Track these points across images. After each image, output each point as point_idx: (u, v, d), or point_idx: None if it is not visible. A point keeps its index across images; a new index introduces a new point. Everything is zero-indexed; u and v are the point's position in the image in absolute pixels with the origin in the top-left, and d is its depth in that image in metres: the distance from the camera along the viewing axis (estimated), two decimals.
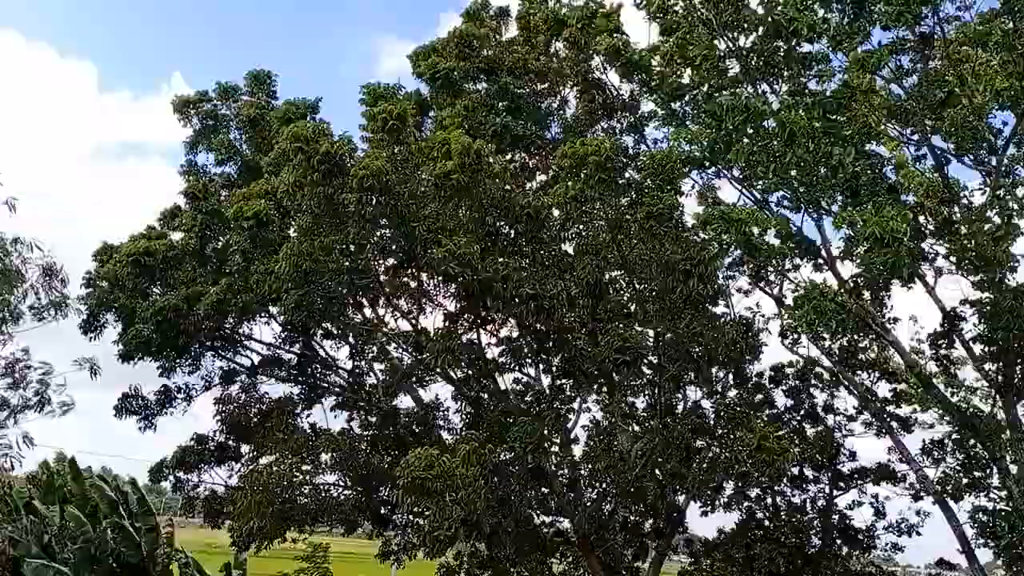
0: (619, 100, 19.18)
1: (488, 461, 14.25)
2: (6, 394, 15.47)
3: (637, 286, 15.32)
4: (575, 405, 18.98)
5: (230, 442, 19.73)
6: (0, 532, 16.48)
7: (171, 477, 19.47)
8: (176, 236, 19.11)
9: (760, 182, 16.22)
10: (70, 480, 20.55)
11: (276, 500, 16.13)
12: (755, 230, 13.51)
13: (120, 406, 18.94)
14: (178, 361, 19.04)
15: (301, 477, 16.79)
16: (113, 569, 20.45)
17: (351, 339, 19.78)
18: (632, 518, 19.91)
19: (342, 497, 18.22)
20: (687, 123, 17.59)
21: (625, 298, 16.48)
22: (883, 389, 20.49)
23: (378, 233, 16.60)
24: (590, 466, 18.70)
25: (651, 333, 15.25)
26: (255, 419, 19.18)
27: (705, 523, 23.16)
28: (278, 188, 15.70)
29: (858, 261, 16.10)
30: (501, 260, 14.45)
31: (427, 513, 13.12)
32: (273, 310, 18.88)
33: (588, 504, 19.18)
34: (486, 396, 18.39)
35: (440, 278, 15.14)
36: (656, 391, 17.55)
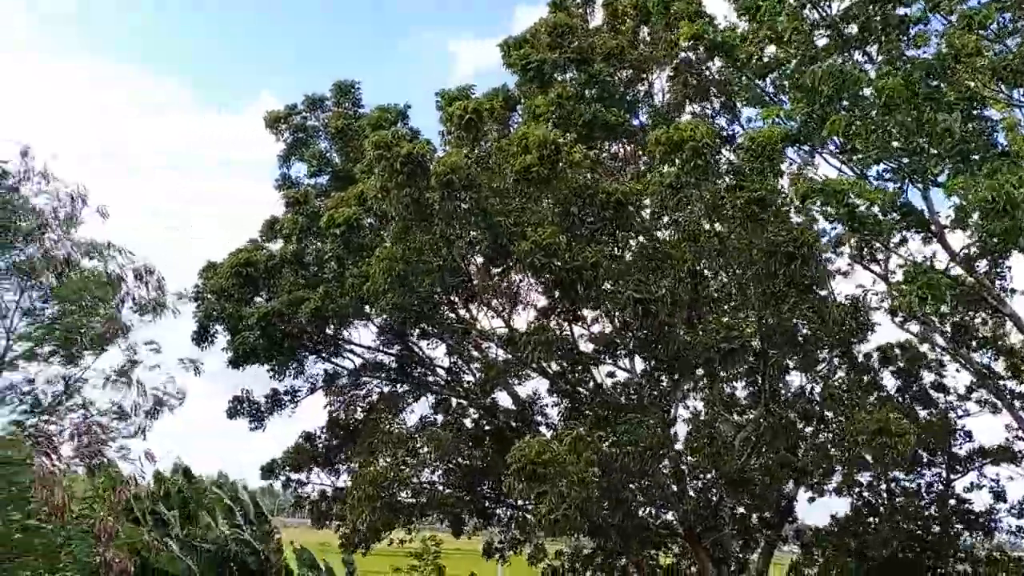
0: (709, 82, 18.77)
1: (594, 451, 14.16)
2: (121, 399, 16.18)
3: (737, 272, 14.91)
4: (674, 396, 18.68)
5: (335, 441, 20.31)
6: (131, 535, 17.37)
7: (282, 476, 20.15)
8: (275, 245, 19.86)
9: (859, 155, 15.55)
10: (187, 487, 21.58)
11: (383, 495, 16.48)
12: (858, 201, 12.95)
13: (232, 408, 19.77)
14: (284, 366, 19.72)
15: (406, 471, 17.11)
16: (233, 572, 21.41)
17: (447, 338, 20.05)
18: (739, 508, 19.47)
19: (446, 492, 18.49)
20: (778, 100, 17.04)
21: (724, 284, 16.08)
22: (999, 365, 19.40)
23: (466, 231, 16.74)
24: (693, 457, 18.38)
25: (753, 319, 14.83)
26: (359, 418, 19.68)
27: (815, 511, 22.42)
28: (367, 194, 16.04)
29: (971, 231, 15.24)
30: (589, 248, 14.32)
31: (542, 498, 13.09)
32: (370, 313, 19.34)
33: (693, 495, 18.86)
34: (582, 389, 18.32)
35: (529, 272, 15.12)
36: (759, 378, 17.06)
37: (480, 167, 14.99)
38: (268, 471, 20.17)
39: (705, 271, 15.78)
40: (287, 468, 19.98)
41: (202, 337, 18.82)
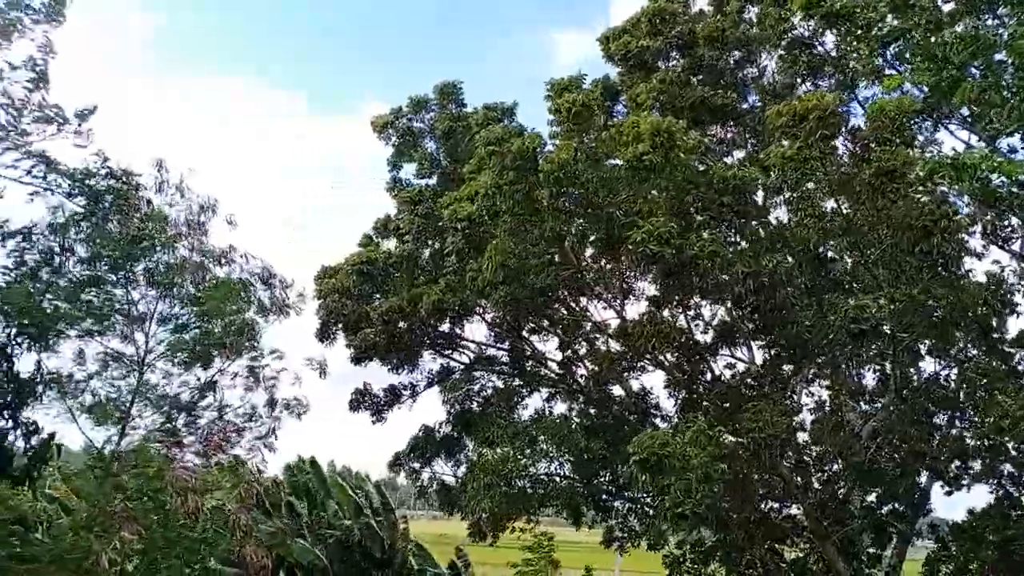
0: (823, 59, 18.07)
1: (717, 444, 13.90)
2: (251, 399, 17.02)
3: (864, 251, 14.27)
4: (796, 385, 18.12)
5: (455, 433, 20.70)
6: (263, 528, 18.27)
7: (406, 467, 20.69)
8: (389, 243, 20.43)
9: (991, 125, 14.59)
10: (314, 479, 22.57)
11: (502, 485, 16.69)
12: (992, 176, 12.13)
13: (354, 401, 20.44)
14: (402, 362, 20.25)
15: (523, 461, 17.27)
16: (359, 560, 22.26)
17: (558, 332, 20.10)
18: (869, 501, 18.67)
19: (563, 484, 18.55)
20: (901, 70, 16.20)
21: (850, 265, 15.44)
22: None
23: (575, 224, 16.71)
24: (818, 448, 17.77)
25: (882, 301, 14.17)
26: (476, 410, 20.00)
27: (951, 504, 21.18)
28: (480, 192, 16.24)
29: None
30: (706, 235, 14.03)
31: (666, 492, 12.96)
32: (484, 308, 19.62)
33: (819, 487, 18.23)
34: (699, 380, 18.00)
35: (641, 263, 14.97)
36: (888, 363, 16.30)
37: (588, 159, 14.92)
38: (394, 462, 20.75)
39: (829, 252, 15.22)
40: (411, 458, 20.49)
41: (324, 335, 19.54)
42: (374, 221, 21.05)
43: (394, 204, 20.83)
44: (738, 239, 15.50)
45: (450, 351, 20.95)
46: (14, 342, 11.93)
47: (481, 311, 20.13)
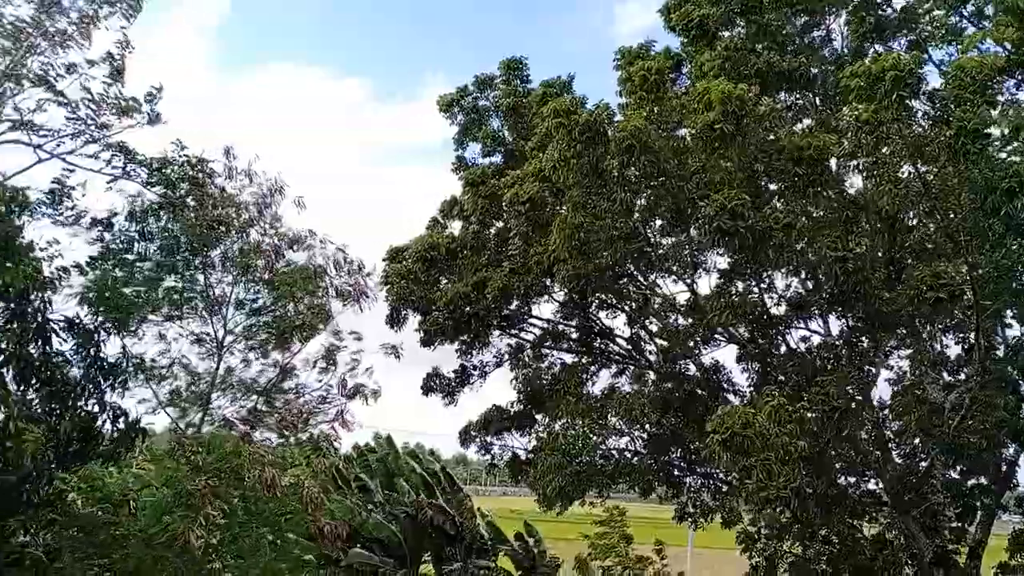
0: (893, 19, 17.42)
1: (796, 420, 13.64)
2: (327, 379, 17.36)
3: (944, 216, 13.77)
4: (874, 357, 17.64)
5: (526, 410, 20.79)
6: (337, 502, 18.67)
7: (477, 440, 20.88)
8: (456, 224, 20.53)
9: None
10: (388, 457, 22.99)
11: (572, 461, 16.71)
12: None
13: (426, 385, 20.70)
14: (471, 342, 20.40)
15: (594, 439, 17.26)
16: (431, 535, 22.65)
17: (627, 308, 19.96)
18: (953, 475, 18.13)
19: (635, 460, 18.50)
20: (981, 28, 15.54)
21: (930, 230, 14.92)
22: None
23: (644, 196, 16.49)
24: (898, 421, 17.31)
25: (963, 267, 13.67)
26: (546, 387, 20.04)
27: None
28: (546, 167, 16.14)
29: None
30: (780, 206, 13.70)
31: (748, 472, 12.77)
32: (551, 287, 19.60)
33: (899, 462, 17.78)
34: (774, 354, 17.69)
35: (712, 238, 14.71)
36: (971, 332, 15.74)
37: (659, 128, 14.68)
38: (464, 435, 20.97)
39: (907, 219, 14.73)
40: (482, 431, 20.68)
41: (394, 319, 19.80)
42: (440, 203, 21.18)
43: (461, 179, 20.88)
44: (813, 209, 15.10)
45: (518, 330, 21.01)
46: (100, 328, 12.35)
47: (547, 289, 20.10)
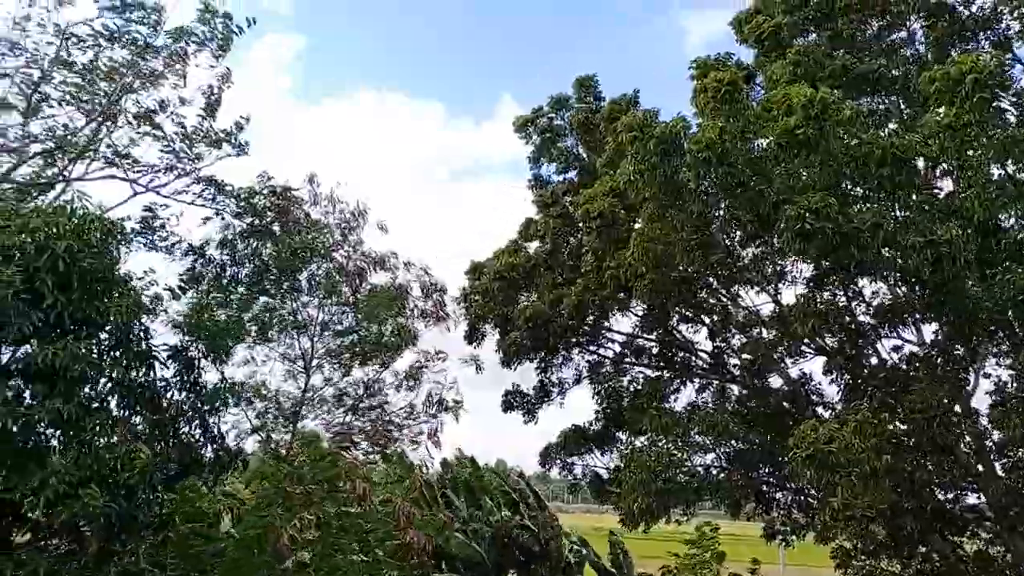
0: (974, 19, 16.84)
1: (882, 434, 13.19)
2: (412, 399, 17.69)
3: None
4: (970, 365, 16.89)
5: (607, 428, 20.68)
6: (431, 519, 18.84)
7: (558, 460, 20.88)
8: (533, 245, 20.69)
9: None
10: (471, 474, 23.11)
11: (657, 479, 16.51)
12: None
13: (506, 402, 20.84)
14: (550, 360, 20.48)
15: (679, 455, 17.01)
16: (515, 553, 22.63)
17: (708, 320, 19.71)
18: None
19: (721, 477, 18.14)
20: None
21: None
22: None
23: (722, 206, 16.30)
24: (1000, 433, 16.51)
25: None
26: (627, 403, 19.91)
27: None
28: (620, 182, 16.15)
29: None
30: (866, 208, 13.32)
31: (832, 489, 12.45)
32: (628, 301, 19.53)
33: (1002, 475, 16.93)
34: (864, 364, 17.15)
35: (795, 243, 14.40)
36: None
37: (735, 138, 14.51)
38: (545, 456, 21.00)
39: (999, 221, 14.11)
40: (563, 451, 20.67)
41: (473, 337, 20.04)
42: (519, 225, 21.46)
43: (534, 202, 21.09)
44: (900, 211, 14.64)
45: (596, 346, 20.98)
46: (199, 355, 12.91)
47: (624, 304, 20.03)
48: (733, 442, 18.10)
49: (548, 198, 19.97)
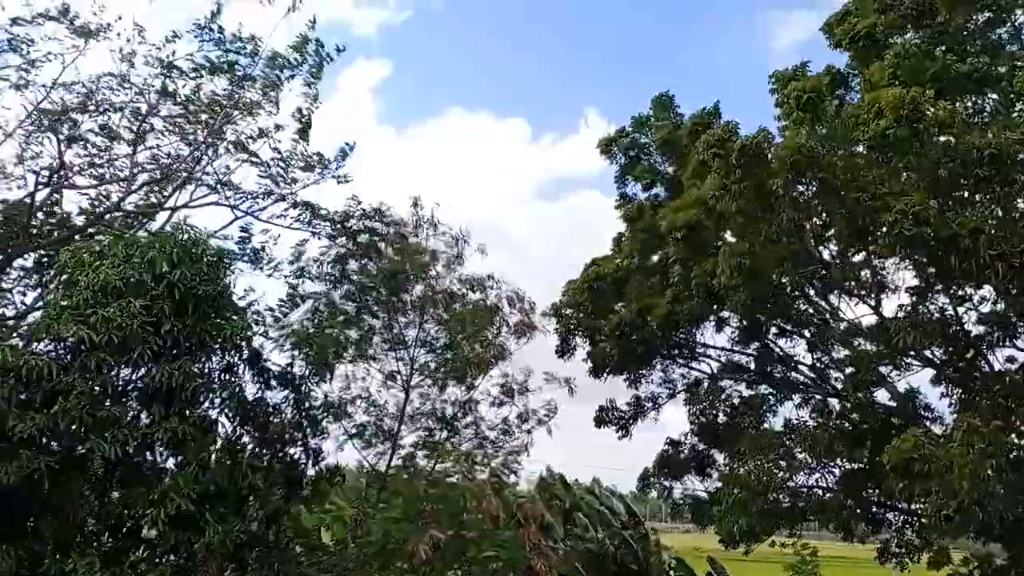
0: None
1: (994, 443, 12.50)
2: (506, 415, 17.84)
3: None
4: None
5: (703, 446, 20.33)
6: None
7: (656, 484, 20.66)
8: (622, 260, 20.68)
9: None
10: (564, 492, 22.98)
11: (758, 499, 16.11)
12: None
13: (599, 417, 20.80)
14: (641, 372, 20.34)
15: (780, 475, 16.54)
16: (613, 572, 22.33)
17: (806, 333, 19.16)
18: None
19: (826, 496, 17.51)
20: None
21: None
22: None
23: (814, 215, 15.91)
24: None
25: None
26: (724, 421, 19.56)
27: None
28: (704, 195, 16.03)
29: None
30: (966, 212, 12.76)
31: (928, 495, 11.91)
32: (723, 314, 19.26)
33: None
34: (976, 376, 16.27)
35: (895, 249, 13.90)
36: None
37: (823, 146, 14.20)
38: (643, 480, 20.84)
39: None
40: (660, 475, 20.44)
41: (563, 350, 20.12)
42: (612, 240, 21.52)
43: (621, 218, 21.11)
44: (1006, 215, 13.93)
45: (688, 360, 20.71)
46: (304, 377, 13.49)
47: (716, 317, 19.73)
48: (838, 460, 17.46)
49: (634, 213, 19.98)
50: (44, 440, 9.31)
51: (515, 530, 16.11)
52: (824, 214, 15.04)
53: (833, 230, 15.99)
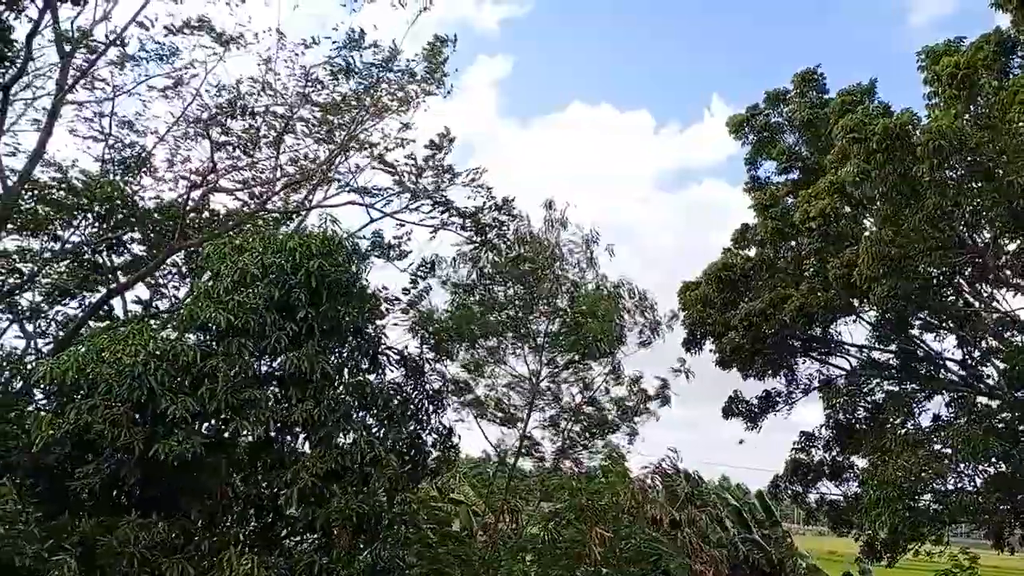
0: None
1: None
2: (626, 403, 17.61)
3: None
4: None
5: (838, 448, 19.39)
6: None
7: (788, 489, 19.91)
8: (750, 252, 19.92)
9: None
10: (692, 490, 22.44)
11: (904, 499, 15.21)
12: None
13: (727, 408, 20.19)
14: (769, 367, 19.59)
15: (926, 474, 15.53)
16: (745, 572, 21.64)
17: (956, 327, 17.86)
18: None
19: (980, 500, 16.31)
20: None
21: None
22: None
23: (967, 200, 14.75)
24: None
25: None
26: (865, 419, 18.57)
27: None
28: (844, 182, 15.18)
29: None
30: None
31: None
32: (860, 307, 18.25)
33: None
34: None
35: None
36: None
37: (978, 127, 13.14)
38: (774, 486, 20.14)
39: None
40: (793, 480, 19.65)
41: (691, 343, 19.63)
42: (732, 232, 20.75)
43: (752, 206, 20.28)
44: None
45: (824, 355, 19.75)
46: (426, 360, 13.82)
47: (856, 311, 18.69)
48: (993, 460, 16.22)
49: (767, 200, 19.09)
50: (194, 423, 9.91)
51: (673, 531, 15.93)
52: (978, 199, 13.91)
53: (985, 215, 14.77)
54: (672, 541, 14.31)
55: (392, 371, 12.60)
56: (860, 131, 14.05)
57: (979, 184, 13.01)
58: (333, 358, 11.22)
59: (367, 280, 12.88)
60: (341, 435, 10.93)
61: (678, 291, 20.49)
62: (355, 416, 11.50)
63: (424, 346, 13.76)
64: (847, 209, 16.34)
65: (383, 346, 12.29)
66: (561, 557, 12.93)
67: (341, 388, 11.42)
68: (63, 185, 14.14)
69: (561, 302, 17.27)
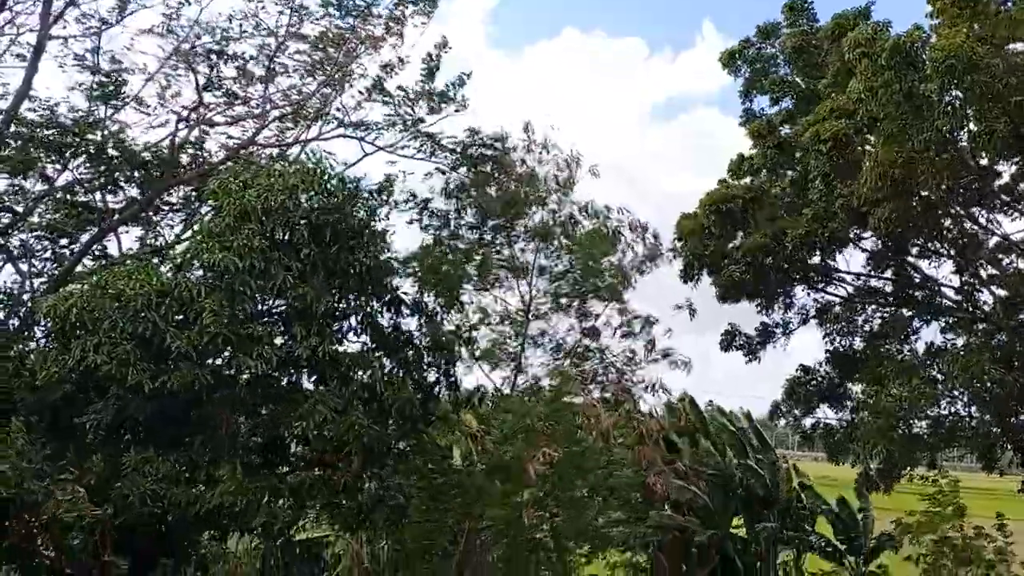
0: None
1: None
2: (631, 345, 17.64)
3: None
4: None
5: (835, 375, 19.53)
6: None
7: (786, 415, 20.07)
8: (745, 181, 19.68)
9: None
10: (692, 416, 22.71)
11: (898, 427, 15.40)
12: None
13: (724, 342, 20.20)
14: (771, 299, 19.57)
15: (923, 401, 15.71)
16: (741, 497, 22.08)
17: (953, 252, 17.84)
18: None
19: (973, 423, 16.57)
20: None
21: None
22: None
23: (970, 122, 14.56)
24: None
25: None
26: (860, 347, 18.69)
27: None
28: (850, 98, 14.87)
29: None
30: None
31: None
32: (859, 235, 18.16)
33: None
34: None
35: None
36: None
37: (985, 45, 12.87)
38: (773, 412, 20.28)
39: None
40: (790, 404, 19.78)
41: (688, 276, 19.55)
42: (728, 163, 20.45)
43: (747, 138, 19.98)
44: None
45: (823, 285, 19.74)
46: (435, 305, 13.89)
47: (856, 239, 18.61)
48: (988, 384, 16.40)
49: (763, 128, 18.78)
50: (198, 357, 9.85)
51: (634, 448, 16.19)
52: (983, 122, 13.70)
53: (988, 139, 14.59)
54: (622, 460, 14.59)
55: (403, 317, 12.64)
56: (869, 46, 13.68)
57: (988, 104, 12.80)
58: (341, 299, 11.22)
59: (378, 222, 12.76)
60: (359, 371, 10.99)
61: (676, 222, 20.29)
62: (368, 356, 11.53)
63: (429, 292, 13.78)
64: (855, 135, 16.06)
65: (398, 291, 12.35)
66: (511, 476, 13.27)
67: (351, 328, 11.48)
68: (52, 124, 13.79)
69: (558, 233, 17.10)
